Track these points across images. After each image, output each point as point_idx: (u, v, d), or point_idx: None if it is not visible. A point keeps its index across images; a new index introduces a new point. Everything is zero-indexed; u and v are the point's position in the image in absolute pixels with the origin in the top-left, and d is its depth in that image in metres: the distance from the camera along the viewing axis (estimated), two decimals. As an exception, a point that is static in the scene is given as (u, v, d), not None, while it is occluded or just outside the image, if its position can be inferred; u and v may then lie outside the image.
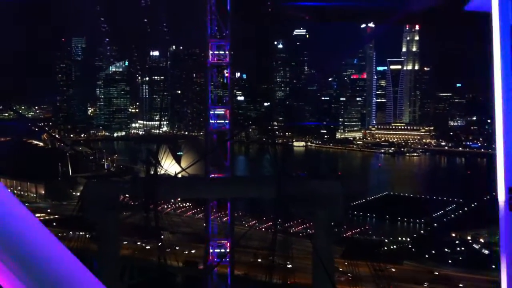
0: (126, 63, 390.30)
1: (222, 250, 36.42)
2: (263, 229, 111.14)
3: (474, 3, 7.65)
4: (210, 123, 36.76)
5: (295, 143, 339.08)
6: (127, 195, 29.70)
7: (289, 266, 43.57)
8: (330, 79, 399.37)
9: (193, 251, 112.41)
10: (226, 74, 39.80)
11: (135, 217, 30.76)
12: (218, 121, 36.72)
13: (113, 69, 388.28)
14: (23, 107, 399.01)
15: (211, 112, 36.90)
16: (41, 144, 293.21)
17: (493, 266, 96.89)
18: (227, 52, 36.67)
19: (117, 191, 28.76)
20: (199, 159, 37.81)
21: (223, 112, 37.08)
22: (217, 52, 36.56)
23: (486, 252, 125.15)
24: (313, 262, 31.97)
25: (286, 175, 29.30)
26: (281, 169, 30.18)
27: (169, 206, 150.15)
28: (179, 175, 39.64)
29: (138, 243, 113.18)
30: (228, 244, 37.20)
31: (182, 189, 33.10)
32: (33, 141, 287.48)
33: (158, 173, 32.43)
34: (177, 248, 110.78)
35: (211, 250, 36.41)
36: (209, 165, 37.11)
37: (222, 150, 37.05)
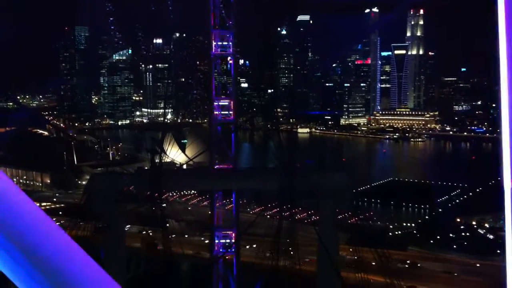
0: (130, 51, 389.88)
1: (228, 241, 36.56)
2: (268, 216, 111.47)
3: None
4: (214, 114, 36.65)
5: (300, 130, 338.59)
6: (132, 187, 29.80)
7: (295, 252, 43.75)
8: (334, 65, 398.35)
9: (201, 238, 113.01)
10: (230, 61, 39.65)
11: (141, 207, 31.01)
12: (222, 112, 36.60)
13: (117, 57, 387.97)
14: (27, 97, 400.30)
15: (215, 103, 36.79)
16: (46, 133, 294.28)
17: (498, 251, 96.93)
18: (230, 43, 36.50)
19: (122, 184, 28.89)
20: (203, 151, 37.79)
21: (227, 103, 36.95)
22: (220, 43, 36.42)
23: (491, 237, 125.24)
24: (318, 249, 32.11)
25: (291, 166, 29.30)
26: (286, 159, 30.19)
27: (174, 194, 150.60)
28: (184, 166, 39.62)
29: (144, 232, 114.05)
30: (234, 234, 37.31)
31: (187, 181, 33.21)
32: (38, 130, 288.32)
33: (163, 161, 32.46)
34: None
35: (216, 241, 36.57)
36: (214, 157, 37.12)
37: (226, 141, 37.01)
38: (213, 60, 37.03)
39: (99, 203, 27.82)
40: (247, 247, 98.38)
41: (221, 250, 36.59)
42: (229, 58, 38.66)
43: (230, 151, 36.61)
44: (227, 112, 36.67)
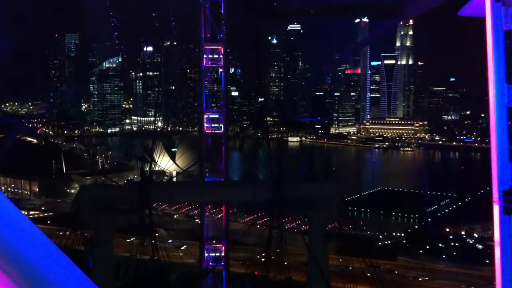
0: (120, 58, 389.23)
1: (217, 254, 36.50)
2: (258, 226, 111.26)
3: (468, 9, 7.68)
4: (205, 127, 36.68)
5: (290, 138, 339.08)
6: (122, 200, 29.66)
7: (285, 262, 43.70)
8: (324, 74, 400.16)
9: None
10: (220, 70, 39.73)
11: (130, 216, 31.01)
12: (213, 125, 36.67)
13: (107, 65, 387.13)
14: (16, 104, 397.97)
15: (206, 116, 36.84)
16: (35, 140, 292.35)
17: (487, 261, 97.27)
18: (221, 56, 36.65)
19: (112, 196, 28.77)
20: (194, 163, 37.83)
21: (217, 116, 37.03)
22: (211, 56, 36.56)
23: (480, 247, 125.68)
24: (308, 258, 32.13)
25: (281, 178, 29.30)
26: (277, 172, 30.21)
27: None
28: (174, 177, 39.58)
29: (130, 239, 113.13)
30: (223, 247, 37.25)
31: (177, 193, 33.15)
32: (27, 138, 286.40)
33: (153, 170, 32.45)
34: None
35: (206, 254, 36.50)
36: (204, 169, 37.12)
37: (217, 153, 37.03)
38: (203, 73, 37.15)
39: (88, 215, 27.74)
40: (240, 254, 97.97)
41: (210, 263, 36.56)
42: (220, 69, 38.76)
43: (220, 163, 36.65)
44: (217, 125, 36.74)
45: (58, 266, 4.45)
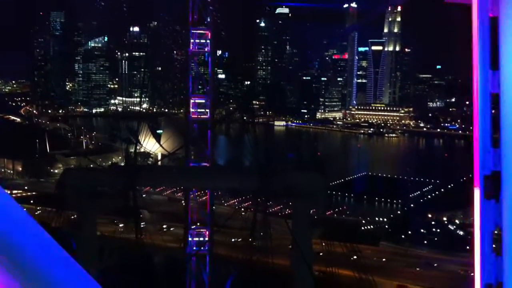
0: (106, 38, 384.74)
1: (201, 239, 36.60)
2: (242, 209, 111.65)
3: (454, -5, 7.70)
4: (191, 112, 36.47)
5: (276, 122, 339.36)
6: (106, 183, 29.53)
7: (269, 246, 44.01)
8: (311, 60, 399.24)
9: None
10: (207, 51, 39.41)
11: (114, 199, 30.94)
12: (199, 110, 36.44)
13: (92, 44, 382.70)
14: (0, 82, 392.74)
15: (192, 101, 36.60)
16: (18, 119, 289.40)
17: (467, 247, 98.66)
18: (208, 41, 36.29)
19: (96, 180, 28.61)
20: (179, 147, 37.72)
21: (204, 101, 36.79)
22: (198, 41, 36.21)
23: (461, 233, 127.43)
24: (291, 243, 32.38)
25: (267, 165, 29.28)
26: (263, 158, 30.20)
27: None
28: (159, 158, 39.51)
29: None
30: (207, 232, 37.32)
31: (162, 178, 33.06)
32: (10, 116, 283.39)
33: (138, 151, 32.29)
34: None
35: (190, 238, 36.59)
36: (190, 154, 37.00)
37: (203, 138, 36.89)
38: (190, 57, 36.85)
39: (72, 198, 27.66)
40: (224, 238, 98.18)
41: (194, 248, 36.66)
42: (206, 48, 38.41)
43: (206, 149, 36.56)
44: (203, 110, 36.52)
45: (41, 247, 4.43)
